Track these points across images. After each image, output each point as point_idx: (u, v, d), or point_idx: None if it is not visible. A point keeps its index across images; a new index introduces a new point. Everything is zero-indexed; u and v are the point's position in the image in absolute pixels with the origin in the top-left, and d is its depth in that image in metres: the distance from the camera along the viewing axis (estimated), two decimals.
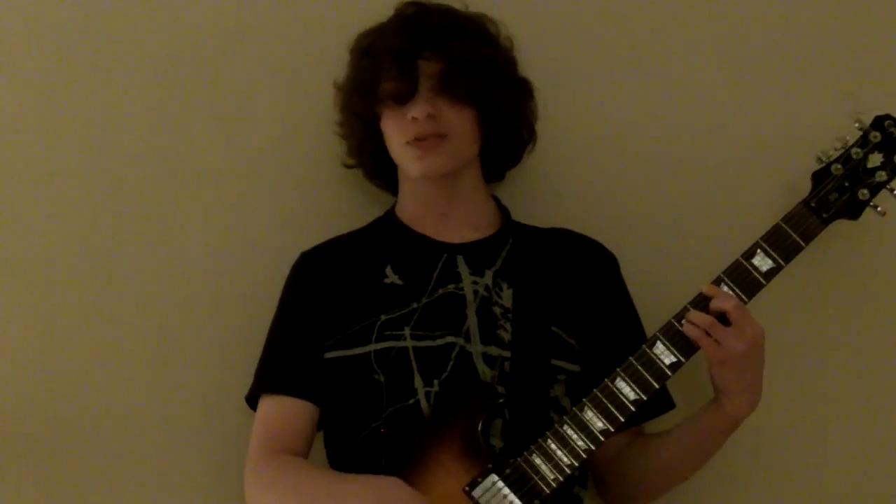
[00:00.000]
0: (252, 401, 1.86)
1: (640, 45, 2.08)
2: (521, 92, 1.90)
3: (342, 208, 2.03)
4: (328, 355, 1.80)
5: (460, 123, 1.81)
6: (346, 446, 1.80)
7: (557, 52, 2.05)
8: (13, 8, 2.03)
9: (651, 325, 1.77)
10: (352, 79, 1.87)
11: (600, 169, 2.07)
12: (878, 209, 1.76)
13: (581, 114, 2.06)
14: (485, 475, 1.69)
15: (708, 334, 1.66)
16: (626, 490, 1.88)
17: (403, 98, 1.79)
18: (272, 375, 1.83)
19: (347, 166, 1.97)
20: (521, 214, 1.94)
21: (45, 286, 2.02)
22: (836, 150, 1.77)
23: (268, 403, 1.82)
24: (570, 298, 1.84)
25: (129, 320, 2.02)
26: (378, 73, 1.81)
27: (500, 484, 1.68)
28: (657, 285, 1.94)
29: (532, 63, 1.94)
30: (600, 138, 2.07)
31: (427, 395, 1.75)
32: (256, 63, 2.05)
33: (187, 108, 2.05)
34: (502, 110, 1.86)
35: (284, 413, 1.80)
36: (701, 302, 1.70)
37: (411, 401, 1.75)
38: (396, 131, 1.81)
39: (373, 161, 1.92)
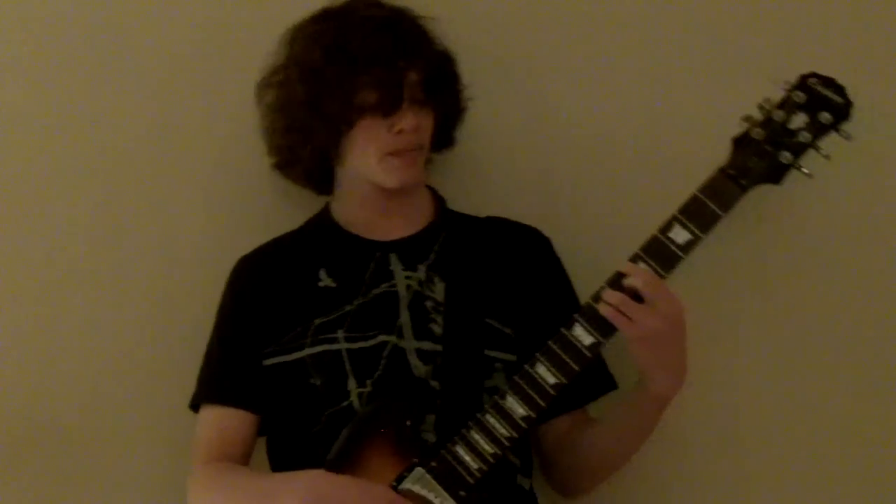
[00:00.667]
0: (196, 408, 1.88)
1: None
2: (464, 100, 1.89)
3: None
4: (267, 362, 1.81)
5: (429, 131, 1.81)
6: (288, 450, 1.81)
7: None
8: (12, 7, 2.05)
9: None
10: (313, 80, 1.75)
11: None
12: (805, 171, 1.68)
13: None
14: (411, 469, 1.69)
15: (622, 312, 1.61)
16: (571, 474, 1.86)
17: (389, 110, 1.74)
18: (211, 385, 1.85)
19: (278, 168, 1.93)
20: (457, 205, 1.94)
21: (45, 286, 2.04)
22: (761, 113, 1.69)
23: (207, 413, 1.84)
24: (504, 287, 1.82)
25: (128, 320, 2.05)
26: (359, 79, 1.72)
27: (427, 477, 1.68)
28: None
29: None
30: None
31: (360, 395, 1.75)
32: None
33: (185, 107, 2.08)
34: (458, 113, 1.87)
35: (223, 423, 1.82)
36: (618, 280, 1.65)
37: (345, 403, 1.75)
38: (373, 142, 1.76)
39: (315, 165, 1.87)
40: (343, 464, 1.71)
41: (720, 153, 1.68)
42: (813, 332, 2.05)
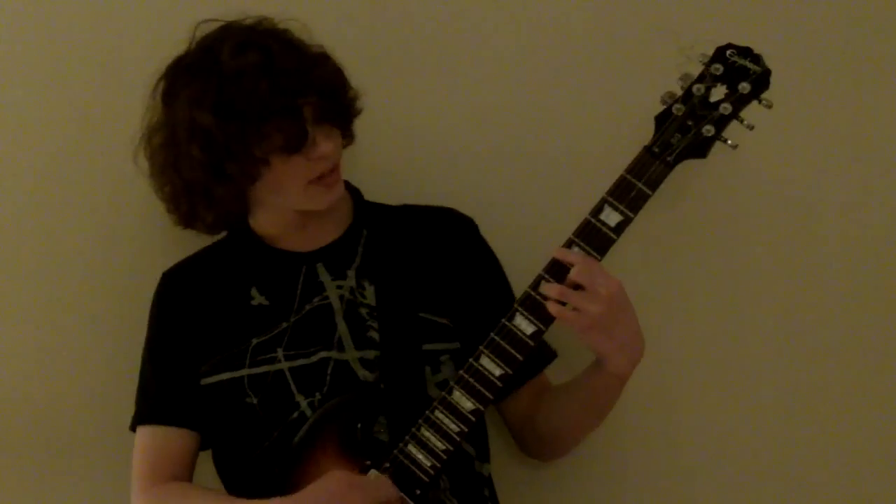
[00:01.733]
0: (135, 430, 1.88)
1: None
2: (354, 95, 1.84)
3: None
4: (204, 381, 1.80)
5: (340, 146, 1.79)
6: (234, 464, 1.81)
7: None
8: (12, 7, 2.05)
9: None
10: (212, 145, 1.68)
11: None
12: (729, 142, 1.69)
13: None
14: (365, 471, 1.70)
15: (564, 304, 1.62)
16: (544, 442, 1.88)
17: (298, 146, 1.69)
18: (146, 406, 1.85)
19: (181, 226, 1.86)
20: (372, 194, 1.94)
21: (44, 286, 2.05)
22: (681, 88, 1.70)
23: (145, 433, 1.84)
24: (434, 278, 1.82)
25: (127, 320, 2.03)
26: (255, 134, 1.67)
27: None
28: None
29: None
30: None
31: (311, 404, 1.75)
32: None
33: None
34: (352, 116, 1.84)
35: (162, 442, 1.82)
36: (553, 267, 1.66)
37: (295, 414, 1.75)
38: (291, 177, 1.72)
39: (221, 221, 1.82)
40: (296, 474, 1.71)
41: (646, 133, 1.69)
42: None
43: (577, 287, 1.62)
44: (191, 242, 1.96)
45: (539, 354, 1.85)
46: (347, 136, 1.84)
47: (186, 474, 1.83)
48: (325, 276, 1.82)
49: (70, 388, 2.06)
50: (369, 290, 1.80)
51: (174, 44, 1.79)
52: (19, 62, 2.05)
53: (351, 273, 1.82)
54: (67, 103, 2.05)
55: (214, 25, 1.76)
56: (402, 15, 2.06)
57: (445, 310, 1.81)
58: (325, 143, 1.72)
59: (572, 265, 1.63)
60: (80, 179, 2.05)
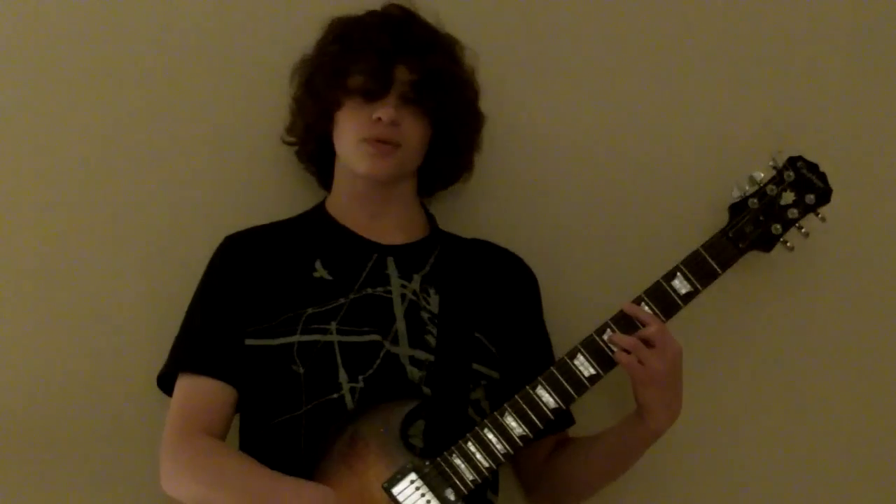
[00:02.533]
0: (164, 381, 1.84)
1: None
2: (476, 121, 1.95)
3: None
4: (249, 342, 1.79)
5: (415, 136, 1.84)
6: (263, 431, 1.79)
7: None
8: (12, 7, 2.02)
9: (570, 336, 1.83)
10: (320, 59, 1.86)
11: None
12: (788, 244, 1.86)
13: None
14: (405, 473, 1.72)
15: (629, 353, 1.73)
16: (556, 492, 1.94)
17: (373, 96, 1.80)
18: (192, 355, 1.81)
19: (286, 142, 1.97)
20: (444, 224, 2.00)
21: (43, 285, 2.01)
22: (749, 185, 1.86)
23: (186, 383, 1.80)
24: (492, 307, 1.89)
25: (128, 320, 2.02)
26: (351, 63, 1.81)
27: (419, 482, 1.72)
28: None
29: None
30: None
31: (352, 390, 1.77)
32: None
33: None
34: (456, 134, 1.90)
35: (204, 393, 1.78)
36: (622, 319, 1.77)
37: (335, 395, 1.76)
38: (353, 126, 1.81)
39: (315, 145, 1.92)
40: (331, 458, 1.72)
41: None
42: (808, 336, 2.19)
43: (647, 343, 1.74)
44: (191, 242, 2.00)
45: (567, 412, 1.92)
46: (453, 160, 1.94)
47: (222, 430, 1.78)
48: (392, 271, 1.85)
49: (70, 387, 2.00)
50: (434, 298, 1.85)
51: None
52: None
53: (417, 277, 1.86)
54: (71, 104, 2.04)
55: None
56: None
57: (497, 339, 1.87)
58: (389, 110, 1.79)
59: (643, 323, 1.75)
60: (80, 180, 2.03)
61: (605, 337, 1.76)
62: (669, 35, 2.16)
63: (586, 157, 2.14)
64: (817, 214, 1.87)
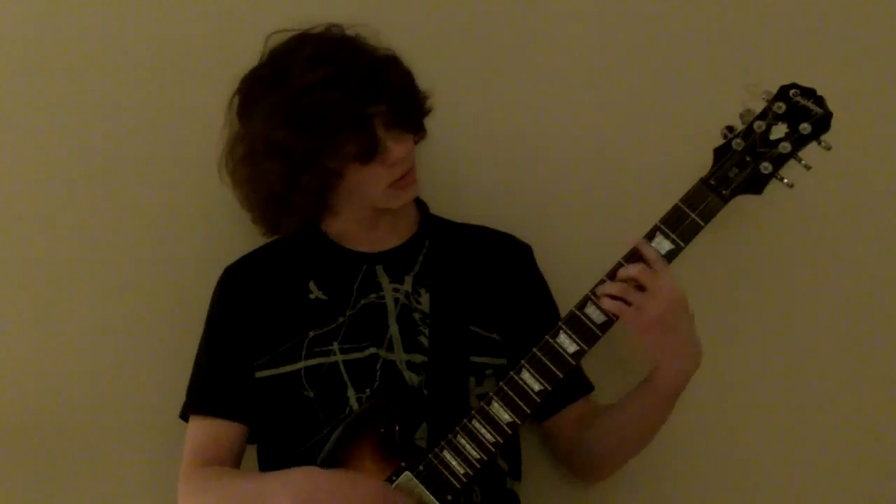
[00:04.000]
0: (186, 418, 1.91)
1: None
2: (419, 91, 1.88)
3: None
4: (259, 374, 1.84)
5: (413, 147, 1.84)
6: (283, 461, 1.81)
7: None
8: (11, 7, 2.07)
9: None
10: (288, 158, 1.75)
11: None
12: (785, 181, 1.70)
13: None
14: (399, 473, 1.72)
15: (625, 301, 1.64)
16: (591, 460, 1.90)
17: (371, 156, 1.75)
18: (200, 396, 1.88)
19: (266, 234, 1.93)
20: (438, 209, 1.98)
21: (45, 286, 2.06)
22: (742, 122, 1.72)
23: (197, 424, 1.87)
24: (487, 294, 1.85)
25: (128, 320, 2.07)
26: (328, 146, 1.73)
27: (415, 481, 1.71)
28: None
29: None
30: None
31: (359, 400, 1.79)
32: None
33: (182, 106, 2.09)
34: (422, 117, 1.87)
35: (212, 434, 1.85)
36: (613, 275, 1.68)
37: (347, 410, 1.78)
38: (375, 180, 1.78)
39: (302, 225, 1.87)
40: (333, 464, 1.74)
41: (701, 160, 1.71)
42: (806, 331, 2.09)
43: (639, 288, 1.64)
44: (189, 244, 2.05)
45: (578, 381, 1.88)
46: (419, 133, 1.89)
47: (234, 466, 1.86)
48: (383, 278, 1.86)
49: (71, 388, 2.07)
50: (424, 298, 1.84)
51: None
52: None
53: (408, 279, 1.85)
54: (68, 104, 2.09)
55: (285, 36, 1.81)
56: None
57: (496, 326, 1.84)
58: (397, 148, 1.77)
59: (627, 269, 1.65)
60: (81, 180, 2.08)
61: (599, 289, 1.67)
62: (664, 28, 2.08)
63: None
64: (820, 143, 1.69)
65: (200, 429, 1.86)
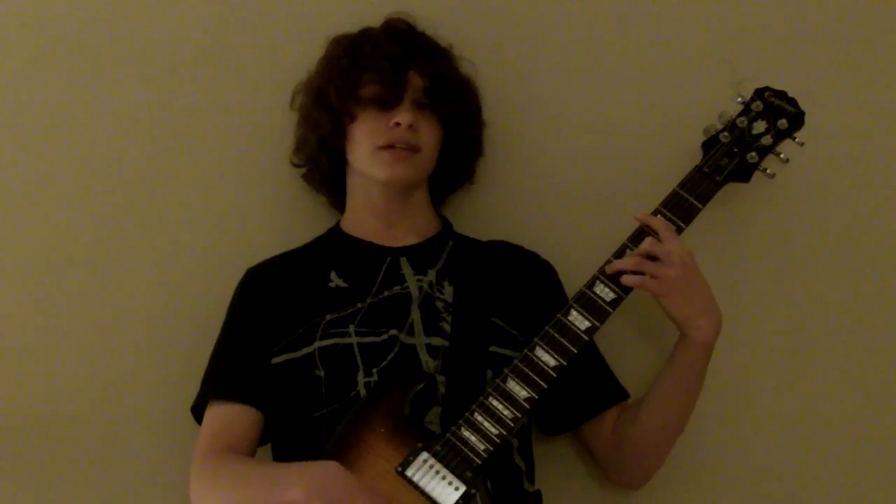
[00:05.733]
0: (197, 412, 1.87)
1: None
2: (481, 126, 2.00)
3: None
4: (276, 360, 1.83)
5: (432, 141, 1.89)
6: (291, 439, 1.81)
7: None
8: (11, 7, 2.07)
9: None
10: (329, 73, 1.89)
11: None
12: (767, 171, 1.85)
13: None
14: (416, 454, 1.70)
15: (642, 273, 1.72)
16: (634, 460, 1.90)
17: (388, 103, 1.84)
18: (218, 382, 1.85)
19: (294, 164, 2.01)
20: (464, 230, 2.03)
21: (47, 286, 2.04)
22: (721, 122, 1.86)
23: (214, 409, 1.84)
24: (509, 297, 1.89)
25: (131, 320, 2.04)
26: (362, 73, 1.85)
27: (432, 460, 1.70)
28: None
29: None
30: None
31: (367, 384, 1.78)
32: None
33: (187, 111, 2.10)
34: (466, 139, 1.96)
35: (228, 419, 1.82)
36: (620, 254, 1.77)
37: (353, 393, 1.78)
38: (369, 134, 1.85)
39: (327, 162, 1.94)
40: (345, 448, 1.72)
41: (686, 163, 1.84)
42: (811, 328, 2.14)
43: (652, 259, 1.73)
44: (194, 245, 2.05)
45: (613, 389, 1.92)
46: (461, 164, 1.99)
47: (249, 452, 1.81)
48: (406, 269, 1.88)
49: (70, 388, 2.04)
50: (448, 289, 1.87)
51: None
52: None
53: (432, 272, 1.89)
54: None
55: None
56: None
57: (518, 324, 1.87)
58: (406, 114, 1.83)
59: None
60: (81, 180, 2.08)
61: (615, 265, 1.75)
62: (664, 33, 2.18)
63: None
64: (794, 139, 1.85)
65: (216, 415, 1.82)
